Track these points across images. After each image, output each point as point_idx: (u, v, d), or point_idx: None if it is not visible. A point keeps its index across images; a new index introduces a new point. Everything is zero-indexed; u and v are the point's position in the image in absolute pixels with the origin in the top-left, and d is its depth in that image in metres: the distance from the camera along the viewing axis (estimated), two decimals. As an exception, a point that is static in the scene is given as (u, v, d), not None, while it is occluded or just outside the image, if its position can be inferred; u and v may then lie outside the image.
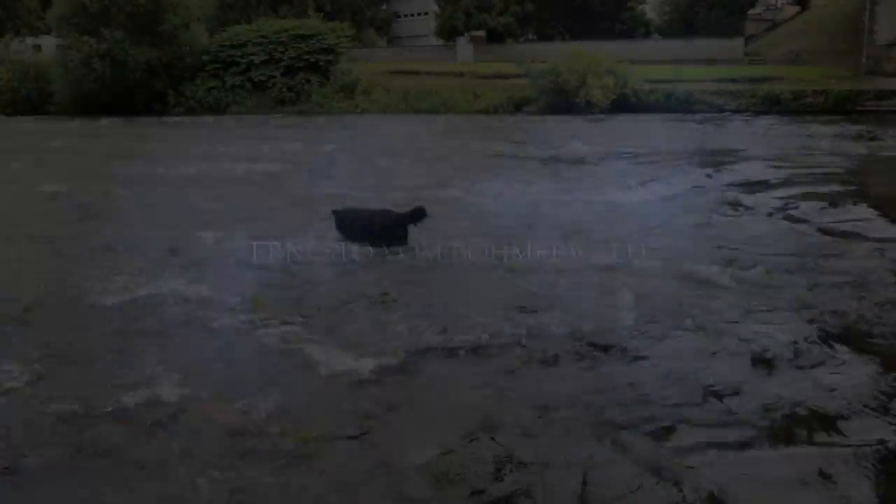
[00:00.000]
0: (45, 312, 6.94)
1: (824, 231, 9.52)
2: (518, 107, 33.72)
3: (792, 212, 10.74)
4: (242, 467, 4.19)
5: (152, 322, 6.60)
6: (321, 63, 38.98)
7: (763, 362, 5.36)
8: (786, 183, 13.45)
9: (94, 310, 7.00)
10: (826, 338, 5.82)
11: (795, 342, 5.70)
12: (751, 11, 58.05)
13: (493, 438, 4.26)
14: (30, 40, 52.91)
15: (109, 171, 17.54)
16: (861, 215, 10.37)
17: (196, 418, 4.80)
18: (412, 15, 74.88)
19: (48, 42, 52.41)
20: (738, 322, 6.26)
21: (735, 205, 11.29)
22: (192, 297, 7.27)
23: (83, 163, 19.52)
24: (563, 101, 31.84)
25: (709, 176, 14.22)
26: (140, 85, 39.31)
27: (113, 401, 5.07)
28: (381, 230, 9.12)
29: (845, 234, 9.32)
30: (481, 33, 58.57)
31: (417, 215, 9.07)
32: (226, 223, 10.78)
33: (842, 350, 5.57)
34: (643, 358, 5.54)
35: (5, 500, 3.96)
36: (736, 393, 4.90)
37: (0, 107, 42.39)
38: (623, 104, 31.71)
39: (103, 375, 5.51)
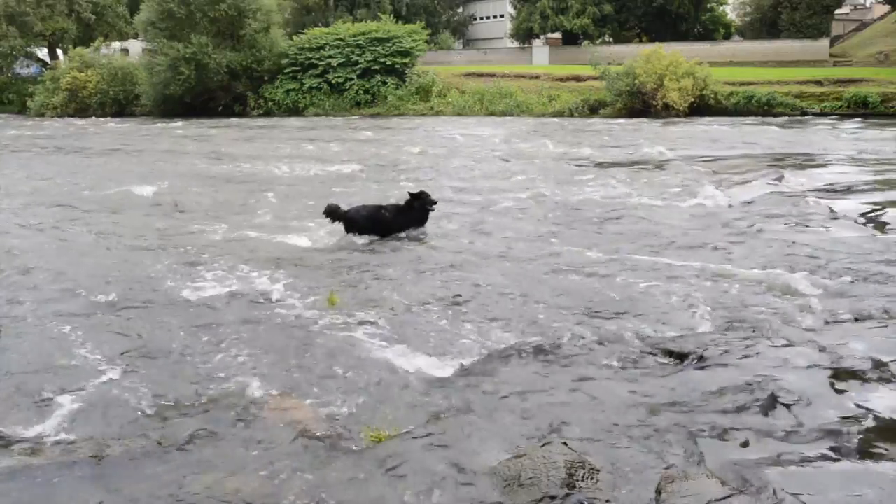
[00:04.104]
0: (130, 307, 7.19)
1: (913, 239, 9.17)
2: (593, 109, 33.42)
3: (879, 219, 10.38)
4: (316, 465, 4.27)
5: (232, 318, 6.78)
6: (397, 66, 39.41)
7: (843, 373, 5.20)
8: (873, 189, 13.01)
9: (176, 305, 7.25)
10: (913, 350, 5.61)
11: (878, 354, 5.51)
12: (837, 12, 56.17)
13: (565, 443, 4.23)
14: (117, 44, 54.85)
15: (197, 170, 18.08)
16: (952, 223, 9.95)
17: (272, 414, 4.91)
18: (488, 18, 75.04)
19: (134, 46, 54.34)
20: (818, 331, 6.08)
21: (819, 211, 10.96)
22: (271, 295, 7.46)
23: (174, 162, 20.13)
24: (640, 103, 31.44)
25: (791, 181, 13.84)
26: (221, 88, 40.44)
27: (193, 395, 5.25)
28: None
29: (936, 243, 8.96)
30: (557, 35, 58.28)
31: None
32: (305, 222, 10.99)
33: (930, 363, 5.36)
34: (720, 366, 5.44)
35: (89, 486, 4.11)
36: (812, 404, 4.77)
37: (91, 109, 44.15)
38: (702, 107, 31.13)
39: (184, 370, 5.70)
